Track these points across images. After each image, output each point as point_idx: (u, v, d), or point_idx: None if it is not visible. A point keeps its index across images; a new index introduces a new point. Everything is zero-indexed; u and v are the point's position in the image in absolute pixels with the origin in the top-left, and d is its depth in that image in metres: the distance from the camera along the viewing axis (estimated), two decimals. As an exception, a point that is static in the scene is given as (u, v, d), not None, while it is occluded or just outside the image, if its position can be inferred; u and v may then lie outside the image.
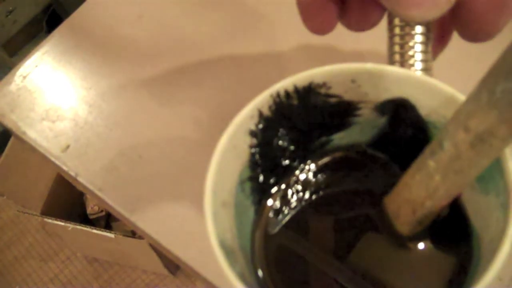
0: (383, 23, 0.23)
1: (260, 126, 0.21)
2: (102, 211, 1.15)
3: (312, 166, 0.24)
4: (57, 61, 0.42)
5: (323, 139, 0.23)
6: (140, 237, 0.95)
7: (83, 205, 1.18)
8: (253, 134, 0.21)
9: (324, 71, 0.21)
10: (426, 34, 0.22)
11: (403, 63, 0.22)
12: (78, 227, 1.01)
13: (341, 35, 0.35)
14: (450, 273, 0.20)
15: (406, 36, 0.22)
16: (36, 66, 0.42)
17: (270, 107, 0.21)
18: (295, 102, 0.21)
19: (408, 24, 0.21)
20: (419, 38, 0.21)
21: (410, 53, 0.22)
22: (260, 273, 0.21)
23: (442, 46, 0.24)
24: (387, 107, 0.21)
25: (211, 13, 0.42)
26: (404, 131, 0.22)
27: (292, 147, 0.23)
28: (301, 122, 0.22)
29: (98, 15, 0.44)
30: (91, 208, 1.15)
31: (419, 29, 0.21)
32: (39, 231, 1.29)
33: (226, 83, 0.38)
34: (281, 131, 0.22)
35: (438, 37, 0.23)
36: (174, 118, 0.37)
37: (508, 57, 0.14)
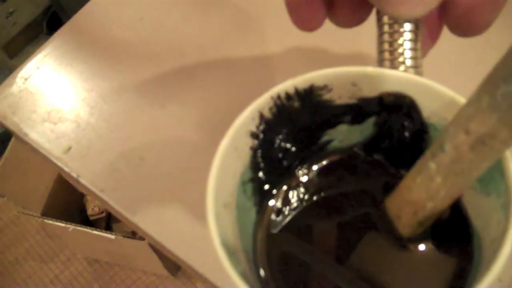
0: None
1: (261, 127, 0.21)
2: (102, 212, 1.15)
3: (313, 168, 0.24)
4: (58, 63, 0.42)
5: (325, 139, 0.24)
6: (141, 238, 0.95)
7: (83, 207, 1.18)
8: (254, 135, 0.21)
9: (324, 73, 0.21)
10: (415, 31, 0.22)
11: (393, 60, 0.22)
12: (79, 228, 1.01)
13: (341, 37, 0.35)
14: (451, 274, 0.20)
15: (395, 33, 0.22)
16: (38, 68, 0.42)
17: (270, 109, 0.21)
18: (296, 104, 0.22)
19: (397, 22, 0.22)
20: (408, 35, 0.21)
21: (400, 50, 0.22)
22: (262, 273, 0.21)
23: (432, 42, 0.24)
24: (390, 103, 0.21)
25: (211, 15, 0.42)
26: (405, 133, 0.22)
27: (293, 149, 0.23)
28: (302, 123, 0.22)
29: (99, 17, 0.44)
30: (92, 210, 1.15)
31: (407, 26, 0.21)
32: (40, 232, 1.29)
33: (227, 85, 0.38)
34: (282, 132, 0.23)
35: (427, 33, 0.23)
36: (175, 120, 0.37)
37: (509, 61, 0.14)
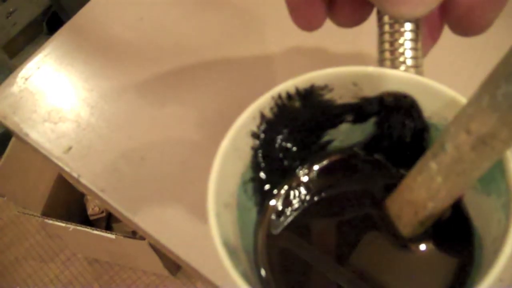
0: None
1: (262, 127, 0.21)
2: (102, 212, 1.15)
3: (314, 168, 0.24)
4: (58, 63, 0.42)
5: (325, 139, 0.24)
6: (141, 238, 0.95)
7: (83, 206, 1.18)
8: (255, 135, 0.21)
9: (325, 73, 0.21)
10: (415, 31, 0.22)
11: (393, 60, 0.22)
12: (79, 228, 1.01)
13: (342, 37, 0.35)
14: (452, 274, 0.20)
15: (396, 33, 0.22)
16: (38, 68, 0.42)
17: (271, 109, 0.21)
18: (297, 103, 0.22)
19: (397, 21, 0.22)
20: (408, 35, 0.22)
21: (400, 50, 0.22)
22: (263, 273, 0.21)
23: (433, 42, 0.24)
24: (391, 102, 0.21)
25: (211, 15, 0.42)
26: (406, 132, 0.22)
27: (294, 148, 0.23)
28: (303, 122, 0.22)
29: (99, 17, 0.44)
30: (92, 209, 1.15)
31: (408, 26, 0.21)
32: (40, 232, 1.29)
33: (227, 85, 0.38)
34: (283, 132, 0.23)
35: (428, 33, 0.23)
36: (175, 119, 0.37)
37: (509, 61, 0.14)
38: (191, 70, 0.39)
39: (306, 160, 0.24)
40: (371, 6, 0.23)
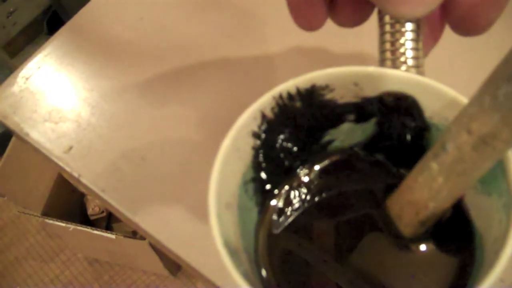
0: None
1: (263, 127, 0.21)
2: (103, 212, 1.15)
3: (315, 168, 0.24)
4: (59, 63, 0.42)
5: (326, 139, 0.24)
6: (141, 238, 0.95)
7: (83, 206, 1.18)
8: (256, 135, 0.21)
9: (326, 73, 0.21)
10: (416, 31, 0.22)
11: (394, 60, 0.22)
12: (79, 228, 1.01)
13: (343, 37, 0.35)
14: (452, 274, 0.20)
15: (397, 33, 0.22)
16: (39, 67, 0.42)
17: (272, 109, 0.21)
18: (298, 103, 0.22)
19: (398, 21, 0.22)
20: (409, 35, 0.22)
21: (401, 50, 0.22)
22: (263, 273, 0.21)
23: (434, 42, 0.24)
24: (391, 102, 0.21)
25: (211, 15, 0.42)
26: (406, 132, 0.22)
27: (295, 148, 0.23)
28: (304, 122, 0.22)
29: (99, 17, 0.44)
30: (92, 209, 1.15)
31: (409, 26, 0.21)
32: (40, 232, 1.29)
33: (228, 85, 0.38)
34: (284, 132, 0.23)
35: (429, 33, 0.23)
36: (176, 119, 0.37)
37: (510, 61, 0.14)
38: (191, 70, 0.39)
39: (307, 160, 0.24)
40: (372, 6, 0.23)
